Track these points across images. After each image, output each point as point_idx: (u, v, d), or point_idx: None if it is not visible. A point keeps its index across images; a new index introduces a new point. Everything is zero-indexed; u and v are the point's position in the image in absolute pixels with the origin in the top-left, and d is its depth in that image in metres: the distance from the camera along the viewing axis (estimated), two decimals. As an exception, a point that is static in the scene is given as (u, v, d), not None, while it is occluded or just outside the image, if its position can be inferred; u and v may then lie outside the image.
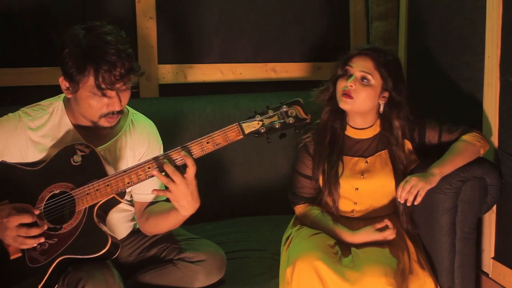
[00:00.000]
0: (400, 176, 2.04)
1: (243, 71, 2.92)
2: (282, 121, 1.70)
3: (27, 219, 1.71)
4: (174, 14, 2.82)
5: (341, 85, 2.05)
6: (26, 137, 1.86)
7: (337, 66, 2.11)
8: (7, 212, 1.71)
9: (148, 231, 1.99)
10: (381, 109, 2.08)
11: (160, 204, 1.98)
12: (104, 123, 1.84)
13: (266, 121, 1.70)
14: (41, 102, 1.95)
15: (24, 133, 1.86)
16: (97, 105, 1.80)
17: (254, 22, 2.92)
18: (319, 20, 3.00)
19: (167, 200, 1.80)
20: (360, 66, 2.04)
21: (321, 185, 2.10)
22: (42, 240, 1.73)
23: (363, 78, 2.03)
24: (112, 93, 1.79)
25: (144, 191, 1.96)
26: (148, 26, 2.76)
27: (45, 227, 1.74)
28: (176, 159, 1.72)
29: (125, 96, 1.84)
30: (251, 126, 1.71)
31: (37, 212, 1.75)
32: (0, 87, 2.61)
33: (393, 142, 2.07)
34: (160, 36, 2.79)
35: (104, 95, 1.77)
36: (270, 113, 1.71)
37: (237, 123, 1.71)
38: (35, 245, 1.73)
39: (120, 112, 1.85)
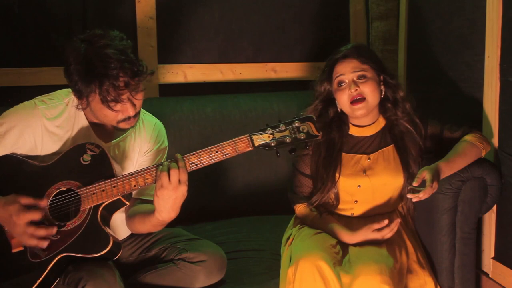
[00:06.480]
0: (409, 168, 2.02)
1: (243, 71, 2.92)
2: (293, 136, 1.69)
3: (36, 216, 1.71)
4: (174, 14, 2.81)
5: (344, 96, 2.02)
6: (42, 126, 1.85)
7: (320, 83, 2.09)
8: (17, 208, 1.70)
9: (129, 228, 1.98)
10: (383, 93, 2.06)
11: (144, 206, 1.96)
12: (123, 126, 1.85)
13: (277, 135, 1.69)
14: (56, 92, 1.93)
15: (40, 121, 1.84)
16: (111, 114, 1.80)
17: (254, 22, 2.92)
18: (319, 20, 3.00)
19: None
20: (349, 68, 2.02)
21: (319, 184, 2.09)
22: (46, 244, 1.72)
23: (359, 77, 2.01)
24: (124, 100, 1.78)
25: None
26: (148, 26, 2.76)
27: (54, 231, 1.73)
28: (193, 162, 1.71)
29: (138, 99, 1.83)
30: (261, 138, 1.70)
31: (44, 203, 1.74)
32: (0, 87, 2.61)
33: (403, 130, 2.06)
34: (160, 36, 2.80)
35: (112, 108, 1.76)
36: (282, 127, 1.70)
37: (247, 135, 1.70)
38: (38, 246, 1.72)
39: (137, 115, 1.85)
